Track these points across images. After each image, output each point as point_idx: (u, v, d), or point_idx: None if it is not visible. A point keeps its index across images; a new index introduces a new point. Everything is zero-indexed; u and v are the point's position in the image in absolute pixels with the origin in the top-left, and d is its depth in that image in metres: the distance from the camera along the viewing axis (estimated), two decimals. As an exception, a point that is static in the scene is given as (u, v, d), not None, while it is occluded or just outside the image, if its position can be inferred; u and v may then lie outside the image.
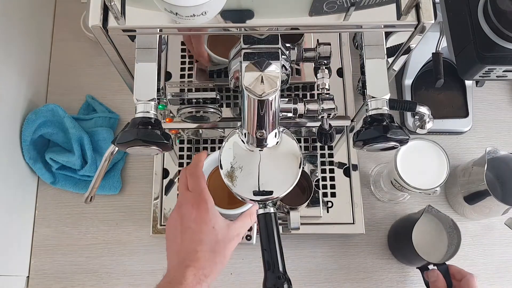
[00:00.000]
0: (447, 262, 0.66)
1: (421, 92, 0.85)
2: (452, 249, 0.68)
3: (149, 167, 0.81)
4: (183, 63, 0.80)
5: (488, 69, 0.62)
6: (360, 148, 0.54)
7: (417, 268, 0.73)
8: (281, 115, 0.60)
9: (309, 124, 0.77)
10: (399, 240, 0.76)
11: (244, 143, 0.58)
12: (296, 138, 0.61)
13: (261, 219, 0.55)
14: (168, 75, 0.80)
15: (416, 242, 0.67)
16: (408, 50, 0.55)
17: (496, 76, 0.65)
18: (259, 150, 0.58)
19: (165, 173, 0.79)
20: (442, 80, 0.66)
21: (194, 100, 0.66)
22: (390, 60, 0.58)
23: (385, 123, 0.51)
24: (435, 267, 0.67)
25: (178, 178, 0.79)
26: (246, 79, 0.50)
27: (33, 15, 0.85)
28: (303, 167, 0.60)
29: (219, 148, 0.79)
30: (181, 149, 0.80)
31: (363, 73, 0.55)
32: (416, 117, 0.68)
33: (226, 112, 0.78)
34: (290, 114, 0.61)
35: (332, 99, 0.61)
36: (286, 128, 0.61)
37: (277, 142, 0.58)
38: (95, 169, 0.73)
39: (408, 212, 0.80)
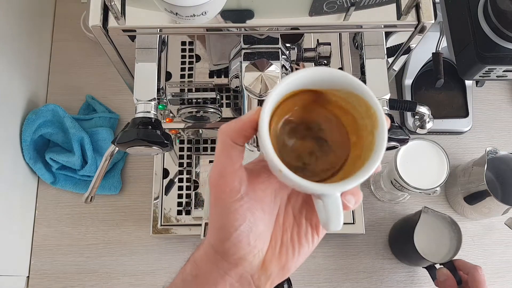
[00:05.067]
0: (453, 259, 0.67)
1: (421, 92, 0.85)
2: (455, 246, 0.69)
3: (149, 167, 0.81)
4: (183, 63, 0.80)
5: (488, 69, 0.62)
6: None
7: (423, 267, 0.73)
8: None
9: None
10: (401, 244, 0.76)
11: (244, 143, 0.58)
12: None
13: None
14: (168, 75, 0.80)
15: (418, 244, 0.67)
16: (408, 50, 0.55)
17: (496, 76, 0.65)
18: (259, 150, 0.58)
19: (165, 173, 0.79)
20: (442, 80, 0.66)
21: (194, 100, 0.66)
22: (390, 60, 0.58)
23: (385, 123, 0.51)
24: (442, 266, 0.67)
25: (179, 178, 0.79)
26: (246, 79, 0.51)
27: (33, 15, 0.85)
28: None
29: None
30: (181, 149, 0.80)
31: (363, 73, 0.55)
32: (416, 117, 0.68)
33: (226, 112, 0.78)
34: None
35: (332, 99, 0.61)
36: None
37: (277, 142, 0.58)
38: (95, 169, 0.74)
39: (408, 212, 0.80)
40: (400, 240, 0.76)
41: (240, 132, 0.30)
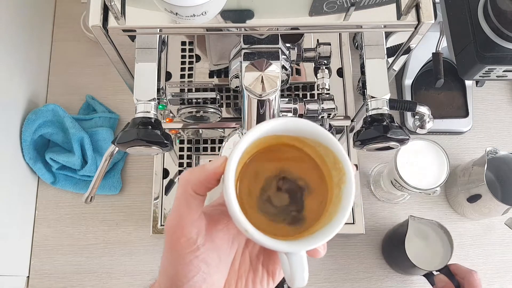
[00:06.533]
0: (448, 263, 0.66)
1: (421, 92, 0.85)
2: (448, 249, 0.68)
3: (149, 167, 0.81)
4: (183, 63, 0.81)
5: (488, 69, 0.62)
6: (360, 148, 0.54)
7: (421, 276, 0.72)
8: (281, 115, 0.60)
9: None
10: (395, 257, 0.75)
11: (244, 143, 0.58)
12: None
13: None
14: (168, 75, 0.80)
15: (411, 254, 0.67)
16: (408, 50, 0.55)
17: (496, 76, 0.65)
18: None
19: (165, 173, 0.79)
20: (442, 80, 0.66)
21: (194, 100, 0.66)
22: (390, 60, 0.58)
23: (385, 123, 0.51)
24: (439, 272, 0.67)
25: (178, 178, 0.79)
26: (246, 79, 0.51)
27: (33, 15, 0.85)
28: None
29: (219, 148, 0.79)
30: (181, 149, 0.80)
31: (363, 73, 0.55)
32: (416, 117, 0.68)
33: (226, 112, 0.78)
34: (290, 114, 0.61)
35: (332, 99, 0.61)
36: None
37: (277, 142, 0.58)
38: (95, 169, 0.74)
39: (408, 212, 0.80)
40: (393, 253, 0.75)
41: (202, 183, 0.30)
